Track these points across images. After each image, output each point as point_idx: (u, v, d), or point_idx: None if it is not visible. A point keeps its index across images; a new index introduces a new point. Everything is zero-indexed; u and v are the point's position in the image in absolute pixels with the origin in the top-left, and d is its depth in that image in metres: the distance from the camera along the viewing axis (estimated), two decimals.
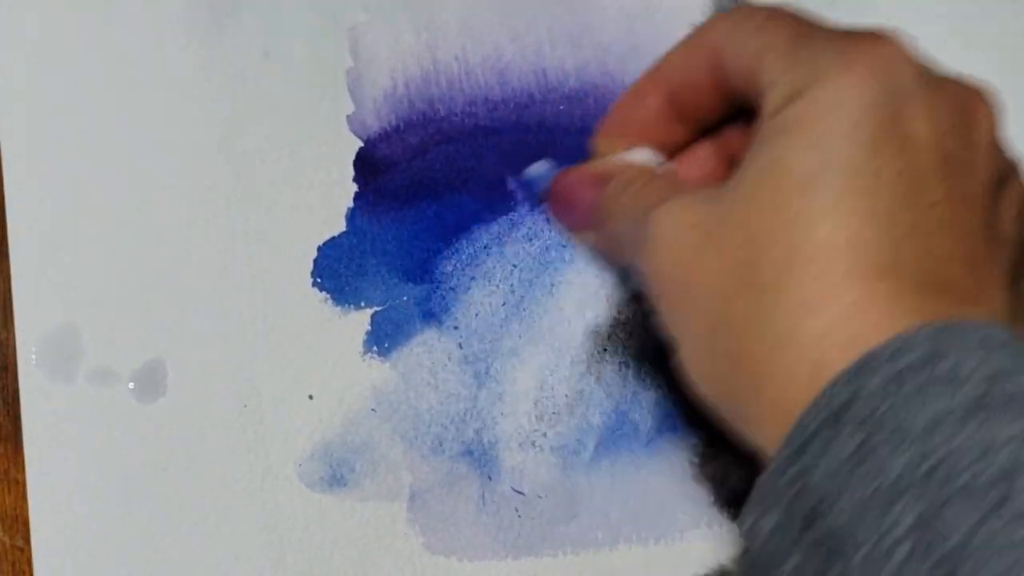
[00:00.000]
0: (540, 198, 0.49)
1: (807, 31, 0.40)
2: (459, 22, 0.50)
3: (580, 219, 0.48)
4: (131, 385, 0.46)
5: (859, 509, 0.33)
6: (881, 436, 0.34)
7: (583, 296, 0.49)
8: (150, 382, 0.46)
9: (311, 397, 0.47)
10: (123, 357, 0.46)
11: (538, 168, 0.49)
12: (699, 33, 0.45)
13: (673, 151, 0.47)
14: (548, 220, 0.49)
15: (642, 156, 0.47)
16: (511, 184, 0.50)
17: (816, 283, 0.37)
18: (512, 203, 0.50)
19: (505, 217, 0.50)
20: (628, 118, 0.47)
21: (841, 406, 0.35)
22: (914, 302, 0.36)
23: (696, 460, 0.49)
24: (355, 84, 0.49)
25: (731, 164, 0.45)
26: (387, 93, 0.49)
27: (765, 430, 0.38)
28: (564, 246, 0.50)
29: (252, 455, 0.47)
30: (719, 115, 0.46)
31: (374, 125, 0.49)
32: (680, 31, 0.47)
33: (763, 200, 0.38)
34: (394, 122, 0.49)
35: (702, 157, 0.47)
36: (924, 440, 0.33)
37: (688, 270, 0.40)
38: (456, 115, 0.50)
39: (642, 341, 0.49)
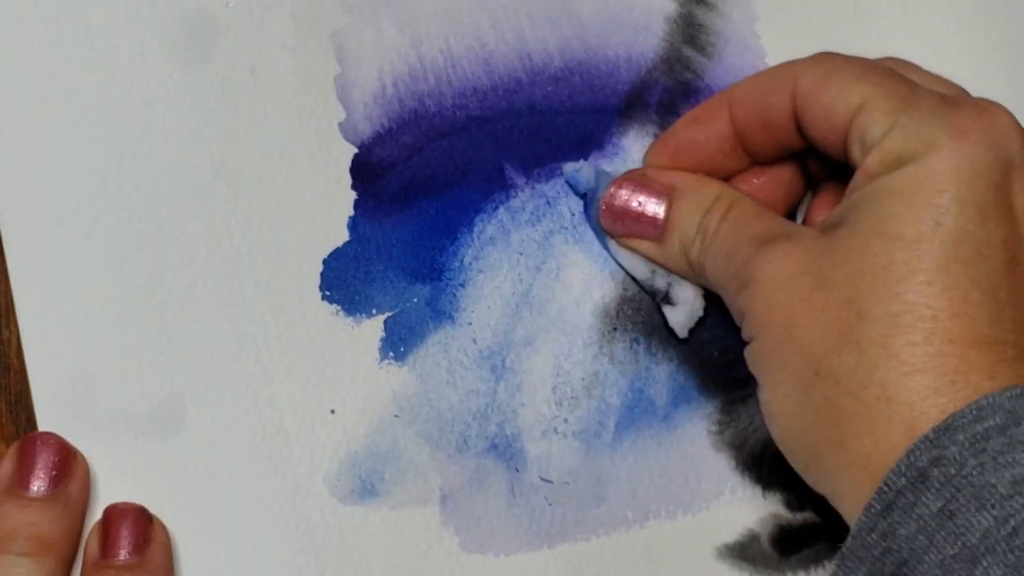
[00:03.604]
0: (586, 200, 0.46)
1: (907, 94, 0.38)
2: (440, 15, 0.46)
3: (643, 231, 0.44)
4: (151, 423, 0.44)
5: (942, 570, 0.33)
6: (964, 497, 0.33)
7: (589, 276, 0.46)
8: (169, 417, 0.44)
9: (333, 411, 0.45)
10: (140, 397, 0.44)
11: (578, 170, 0.46)
12: (784, 71, 0.42)
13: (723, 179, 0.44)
14: (591, 222, 0.46)
15: None
16: (509, 171, 0.46)
17: (918, 348, 0.35)
18: (512, 190, 0.46)
19: (506, 205, 0.46)
20: (689, 139, 0.44)
21: (926, 466, 0.34)
22: (1010, 372, 0.35)
23: (713, 428, 0.47)
24: (343, 90, 0.46)
25: (785, 197, 0.44)
26: (376, 95, 0.46)
27: (847, 483, 0.36)
28: (566, 228, 0.46)
29: (280, 476, 0.44)
30: (782, 153, 0.43)
31: (366, 129, 0.46)
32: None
33: (871, 259, 0.37)
34: (386, 124, 0.46)
35: (761, 186, 0.44)
36: (1006, 502, 0.32)
37: (791, 318, 0.38)
38: (447, 109, 0.46)
39: (649, 315, 0.47)
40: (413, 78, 0.46)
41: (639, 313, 0.46)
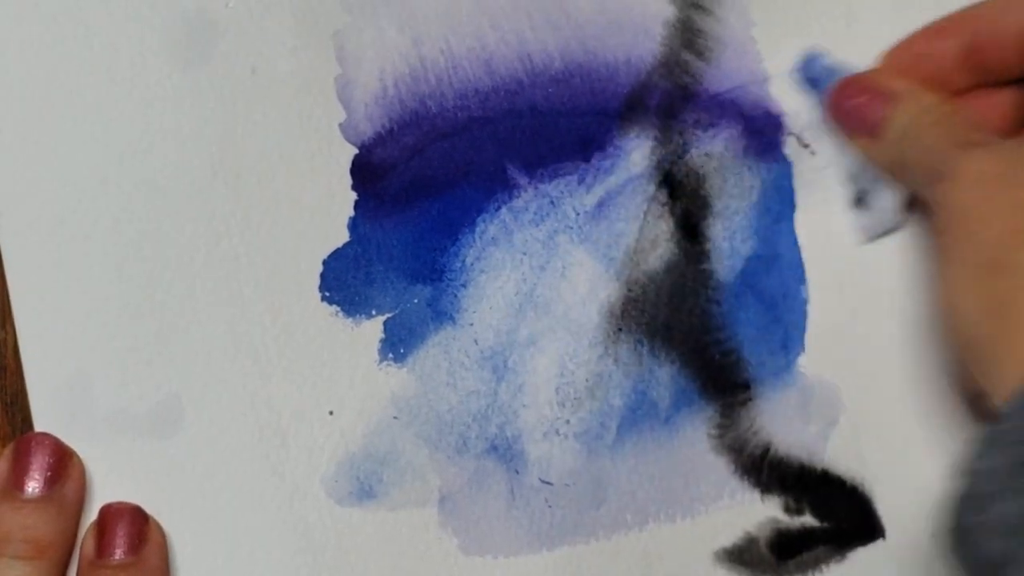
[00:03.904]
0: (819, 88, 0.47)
1: None
2: (440, 15, 0.46)
3: (862, 128, 0.45)
4: (148, 423, 0.43)
5: None
6: None
7: (594, 276, 0.46)
8: (167, 418, 0.43)
9: (331, 413, 0.44)
10: (137, 397, 0.43)
11: (814, 59, 0.47)
12: None
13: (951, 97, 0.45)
14: (822, 115, 0.47)
15: None
16: (511, 171, 0.46)
17: None
18: (515, 190, 0.46)
19: (508, 205, 0.46)
20: (920, 53, 0.45)
21: None
22: None
23: (713, 432, 0.46)
24: (344, 90, 0.45)
25: (1008, 124, 0.45)
26: (377, 96, 0.45)
27: (1006, 374, 0.38)
28: (571, 228, 0.46)
29: (277, 478, 0.44)
30: (1013, 76, 0.44)
31: (367, 130, 0.45)
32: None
33: None
34: (387, 124, 0.45)
35: (984, 107, 0.45)
36: None
37: (981, 214, 0.39)
38: (448, 110, 0.46)
39: (653, 316, 0.46)
40: (414, 79, 0.46)
41: (643, 314, 0.46)
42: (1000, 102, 0.45)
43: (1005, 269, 0.38)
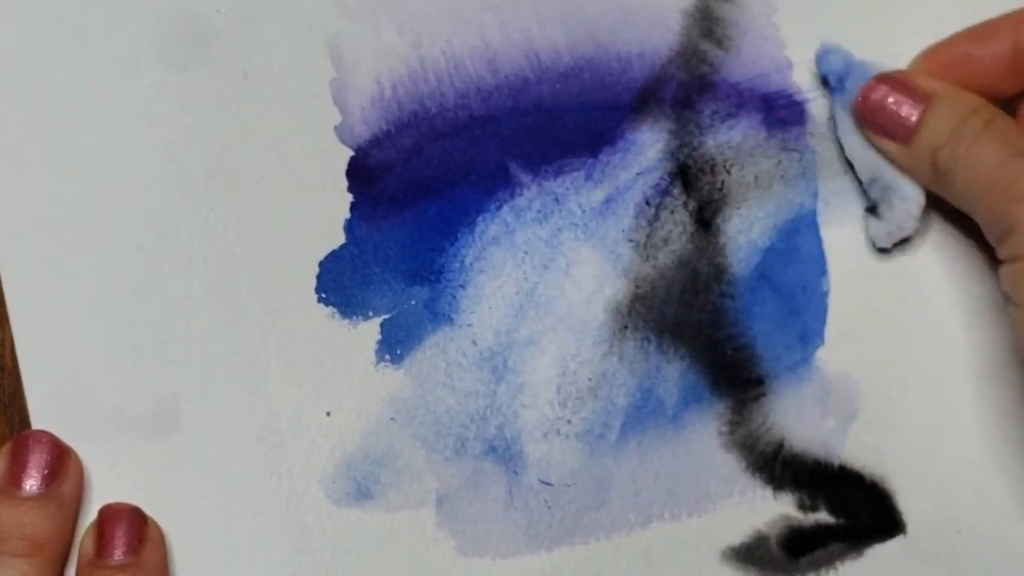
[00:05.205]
0: (830, 85, 0.44)
1: None
2: (442, 15, 0.44)
3: (893, 131, 0.42)
4: (146, 424, 0.43)
5: None
6: None
7: (600, 273, 0.44)
8: (164, 419, 0.43)
9: (328, 414, 0.43)
10: (135, 398, 0.43)
11: (830, 51, 0.44)
12: None
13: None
14: (832, 108, 0.44)
15: None
16: (514, 169, 0.44)
17: None
18: (517, 189, 0.44)
19: (510, 204, 0.44)
20: (965, 53, 0.42)
21: None
22: None
23: (724, 428, 0.44)
24: (339, 93, 0.44)
25: None
26: (374, 98, 0.44)
27: None
28: (576, 225, 0.44)
29: (276, 479, 0.43)
30: None
31: (363, 132, 0.44)
32: None
33: None
34: (384, 126, 0.44)
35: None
36: None
37: None
38: (448, 109, 0.44)
39: (662, 313, 0.44)
40: (413, 80, 0.44)
41: (651, 311, 0.44)
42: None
43: None
